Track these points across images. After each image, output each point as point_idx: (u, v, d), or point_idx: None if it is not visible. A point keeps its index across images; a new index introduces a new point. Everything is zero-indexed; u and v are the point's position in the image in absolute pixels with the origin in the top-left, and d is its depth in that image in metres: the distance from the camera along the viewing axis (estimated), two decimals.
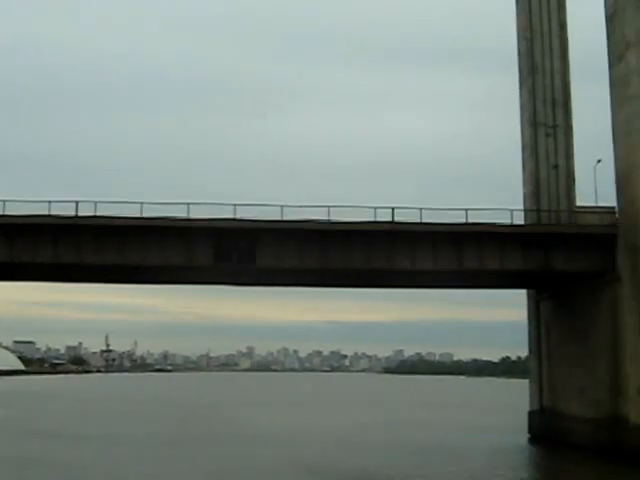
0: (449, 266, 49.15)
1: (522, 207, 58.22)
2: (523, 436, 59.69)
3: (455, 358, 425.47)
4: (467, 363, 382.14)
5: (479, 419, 79.95)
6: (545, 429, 57.84)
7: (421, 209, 47.38)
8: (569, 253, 50.29)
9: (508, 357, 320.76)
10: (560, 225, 52.82)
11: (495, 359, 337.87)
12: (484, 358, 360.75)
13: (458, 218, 48.02)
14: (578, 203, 54.55)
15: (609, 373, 49.26)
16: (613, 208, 49.94)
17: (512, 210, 50.30)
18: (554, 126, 60.77)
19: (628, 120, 47.37)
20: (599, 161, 55.17)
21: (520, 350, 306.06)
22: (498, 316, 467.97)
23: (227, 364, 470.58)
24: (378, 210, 47.06)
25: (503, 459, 49.01)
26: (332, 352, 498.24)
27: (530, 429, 60.66)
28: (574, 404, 53.70)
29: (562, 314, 56.64)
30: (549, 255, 50.19)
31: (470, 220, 48.19)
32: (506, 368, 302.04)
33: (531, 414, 61.27)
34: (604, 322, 50.23)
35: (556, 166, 59.91)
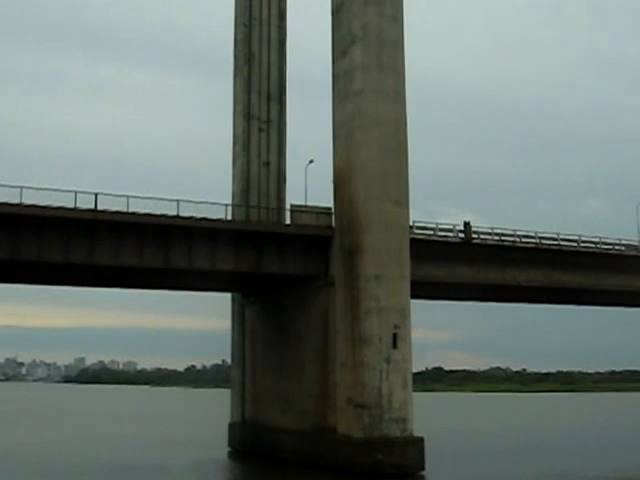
0: (156, 263, 46.02)
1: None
2: (223, 450, 57.95)
3: (139, 367, 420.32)
4: (151, 372, 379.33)
5: (175, 432, 77.42)
6: (247, 442, 56.47)
7: (128, 197, 43.86)
8: (283, 254, 49.38)
9: (193, 366, 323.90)
10: (276, 224, 51.79)
11: (180, 368, 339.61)
12: (168, 367, 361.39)
13: (169, 210, 45.14)
14: (296, 202, 53.69)
15: (318, 382, 48.89)
16: (330, 209, 49.77)
17: (226, 205, 48.53)
18: (268, 121, 60.03)
19: (350, 118, 47.31)
20: (311, 161, 55.36)
21: (206, 359, 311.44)
22: (182, 324, 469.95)
23: None
24: (80, 196, 42.78)
25: (202, 476, 47.00)
26: (7, 359, 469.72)
27: (230, 442, 59.06)
28: (279, 415, 52.83)
29: (270, 320, 55.68)
30: (262, 256, 48.88)
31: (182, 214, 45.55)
32: (192, 377, 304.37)
33: (232, 426, 59.68)
34: (315, 329, 49.86)
35: (268, 163, 59.21)
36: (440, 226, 54.40)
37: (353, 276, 46.21)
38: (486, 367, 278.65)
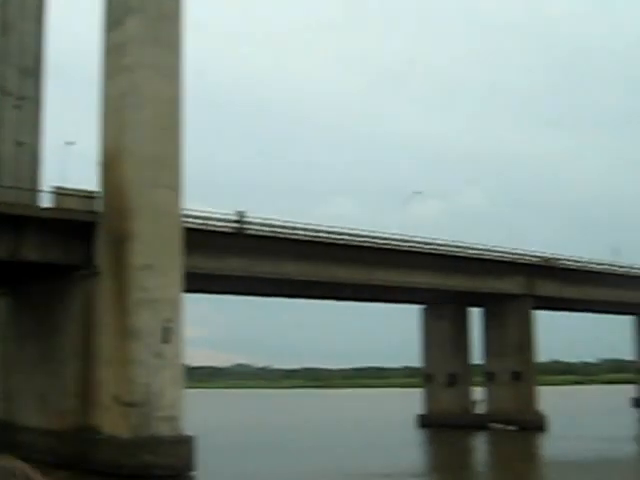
0: None
1: None
2: None
3: None
4: None
5: None
6: None
7: None
8: (42, 241, 46.65)
9: None
10: (35, 207, 48.88)
11: None
12: None
13: None
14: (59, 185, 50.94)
15: (80, 380, 46.61)
16: (97, 193, 47.64)
17: None
18: (23, 97, 56.71)
19: (121, 95, 45.52)
20: (70, 143, 53.65)
21: None
22: None
23: None
24: None
25: None
26: None
27: None
28: (35, 414, 49.97)
29: (26, 313, 52.57)
30: (19, 242, 45.93)
31: None
32: None
33: None
34: (77, 322, 47.53)
35: (22, 143, 55.96)
36: (213, 215, 53.87)
37: (121, 266, 44.51)
38: (230, 364, 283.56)
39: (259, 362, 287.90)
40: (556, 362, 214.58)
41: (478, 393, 78.20)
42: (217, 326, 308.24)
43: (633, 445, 62.44)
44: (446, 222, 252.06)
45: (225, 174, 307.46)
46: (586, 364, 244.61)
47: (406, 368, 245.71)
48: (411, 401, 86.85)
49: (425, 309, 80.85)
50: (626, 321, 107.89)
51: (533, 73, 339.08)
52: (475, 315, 78.90)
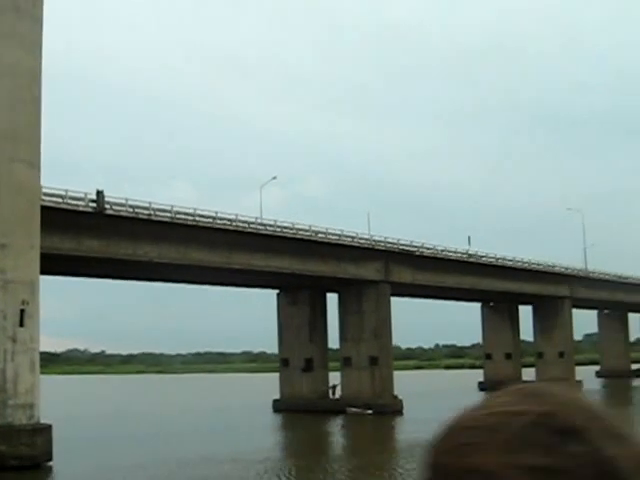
0: None
1: None
2: None
3: None
4: None
5: None
6: None
7: None
8: None
9: None
10: None
11: None
12: None
13: None
14: None
15: None
16: None
17: None
18: None
19: None
20: None
21: None
22: None
23: None
24: None
25: None
26: None
27: None
28: None
29: None
30: None
31: None
32: None
33: None
34: None
35: None
36: (70, 193, 51.85)
37: None
38: (64, 349, 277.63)
39: (93, 347, 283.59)
40: (396, 348, 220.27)
41: (335, 378, 78.96)
42: (48, 309, 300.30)
43: None
44: (288, 209, 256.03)
45: (69, 155, 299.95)
46: (425, 350, 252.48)
47: (246, 353, 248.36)
48: (259, 386, 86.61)
49: (282, 293, 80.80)
50: (472, 308, 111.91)
51: (377, 71, 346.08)
52: (333, 300, 79.52)
